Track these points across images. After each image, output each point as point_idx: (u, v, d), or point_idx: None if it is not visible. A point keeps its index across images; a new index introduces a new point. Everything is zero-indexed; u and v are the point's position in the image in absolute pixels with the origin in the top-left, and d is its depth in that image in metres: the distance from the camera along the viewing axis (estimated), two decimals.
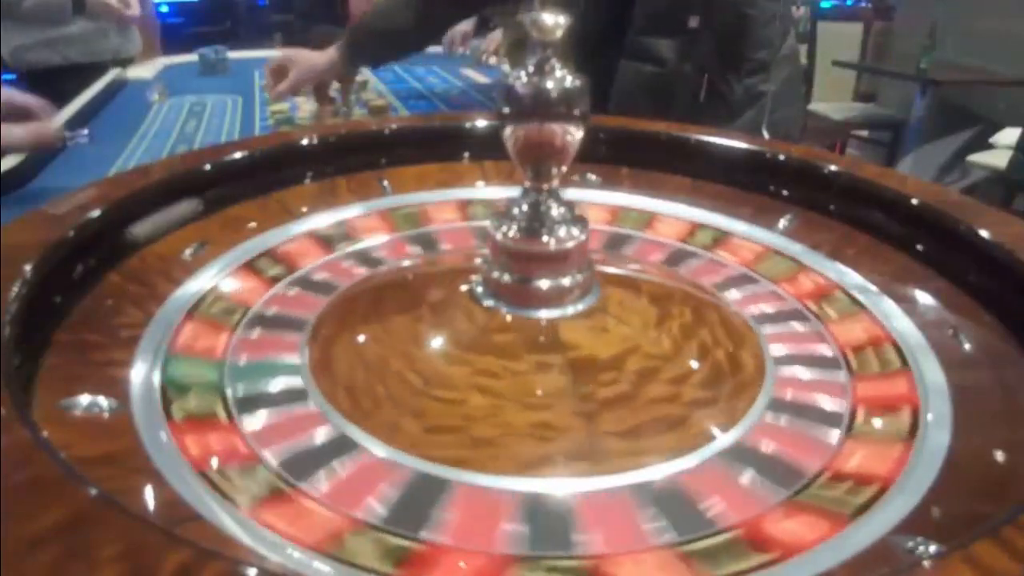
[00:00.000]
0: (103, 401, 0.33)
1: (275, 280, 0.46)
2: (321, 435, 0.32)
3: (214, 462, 0.30)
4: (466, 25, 2.34)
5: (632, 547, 0.26)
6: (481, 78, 1.87)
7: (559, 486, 0.29)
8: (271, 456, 0.31)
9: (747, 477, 0.30)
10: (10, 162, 1.06)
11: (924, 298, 0.43)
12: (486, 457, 0.31)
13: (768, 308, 0.44)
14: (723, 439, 0.32)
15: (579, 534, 0.27)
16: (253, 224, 0.51)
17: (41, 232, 0.39)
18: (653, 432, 0.32)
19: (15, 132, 0.97)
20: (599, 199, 0.58)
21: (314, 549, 0.26)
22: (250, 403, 0.34)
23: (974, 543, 0.21)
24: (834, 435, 0.33)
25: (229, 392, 0.35)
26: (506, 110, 0.37)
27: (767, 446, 0.32)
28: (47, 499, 0.22)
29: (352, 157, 0.60)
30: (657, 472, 0.30)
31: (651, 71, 1.11)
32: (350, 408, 0.33)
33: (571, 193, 0.57)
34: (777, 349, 0.39)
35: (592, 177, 0.61)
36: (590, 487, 0.29)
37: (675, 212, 0.57)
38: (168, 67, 2.00)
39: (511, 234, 0.38)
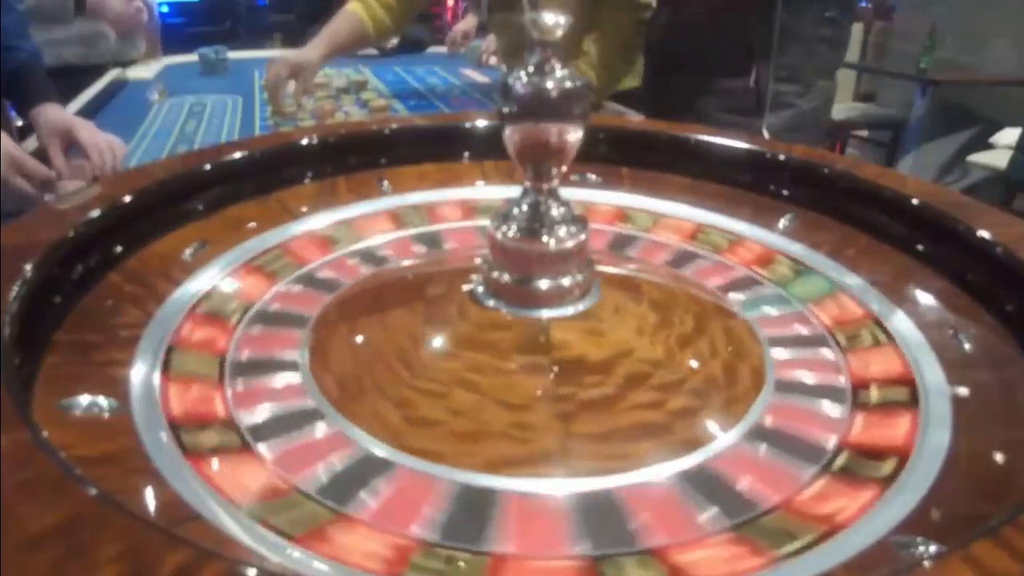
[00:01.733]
0: (103, 401, 0.33)
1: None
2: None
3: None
4: (466, 25, 2.34)
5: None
6: (481, 78, 1.88)
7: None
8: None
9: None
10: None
11: (924, 298, 0.43)
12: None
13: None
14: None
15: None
16: (253, 224, 0.51)
17: (41, 232, 0.39)
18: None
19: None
20: (600, 199, 0.58)
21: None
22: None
23: (974, 543, 0.21)
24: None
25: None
26: (506, 110, 0.37)
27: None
28: (47, 499, 0.22)
29: (352, 157, 0.60)
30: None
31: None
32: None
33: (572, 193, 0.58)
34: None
35: (592, 177, 0.61)
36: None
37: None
38: (168, 67, 2.00)
39: (511, 234, 0.38)
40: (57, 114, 1.13)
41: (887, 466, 0.31)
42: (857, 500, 0.29)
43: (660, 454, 0.31)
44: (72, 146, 1.07)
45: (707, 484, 0.30)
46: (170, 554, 0.20)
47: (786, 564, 0.26)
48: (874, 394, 0.36)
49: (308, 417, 0.33)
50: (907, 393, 0.36)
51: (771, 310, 0.44)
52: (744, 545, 0.27)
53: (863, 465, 0.31)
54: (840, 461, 0.31)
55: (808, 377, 0.37)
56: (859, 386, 0.37)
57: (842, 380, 0.37)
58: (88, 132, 1.07)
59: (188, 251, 0.47)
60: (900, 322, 0.41)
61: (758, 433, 0.33)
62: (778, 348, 0.40)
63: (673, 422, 0.33)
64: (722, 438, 0.32)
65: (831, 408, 0.35)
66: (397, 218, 0.55)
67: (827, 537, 0.27)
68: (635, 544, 0.27)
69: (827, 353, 0.40)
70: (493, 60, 2.04)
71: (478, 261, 0.40)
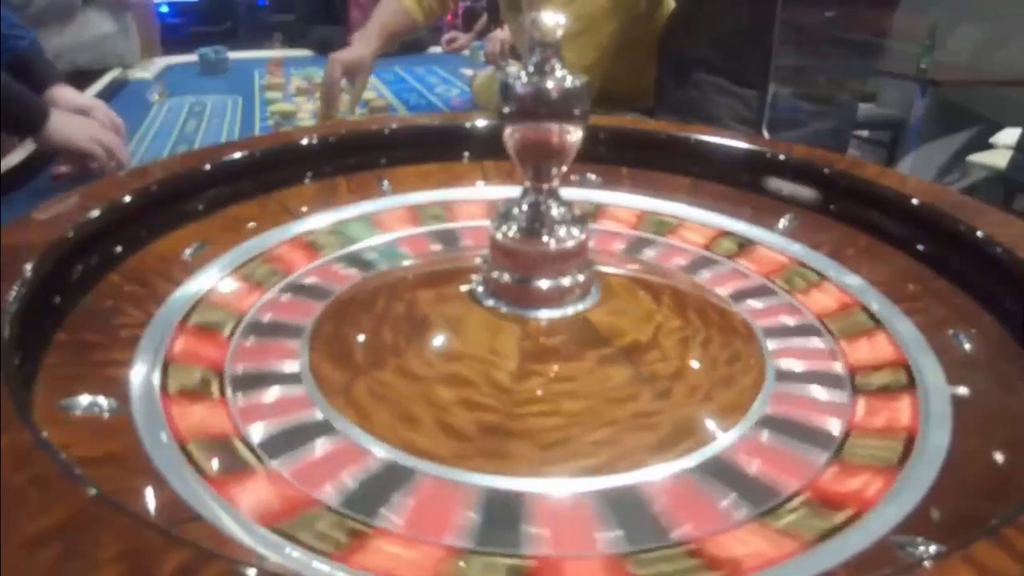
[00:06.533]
0: (103, 401, 0.33)
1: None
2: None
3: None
4: (503, 34, 2.33)
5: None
6: None
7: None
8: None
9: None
10: (11, 161, 1.06)
11: (924, 298, 0.43)
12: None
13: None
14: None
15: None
16: (253, 224, 0.51)
17: (41, 232, 0.39)
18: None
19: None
20: (601, 199, 0.58)
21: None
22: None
23: (974, 543, 0.21)
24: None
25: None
26: (506, 110, 0.37)
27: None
28: (47, 499, 0.22)
29: (352, 157, 0.60)
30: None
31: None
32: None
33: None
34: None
35: (592, 177, 0.61)
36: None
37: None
38: (168, 67, 2.00)
39: (511, 234, 0.38)
40: (72, 95, 1.17)
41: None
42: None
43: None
44: None
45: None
46: (170, 554, 0.20)
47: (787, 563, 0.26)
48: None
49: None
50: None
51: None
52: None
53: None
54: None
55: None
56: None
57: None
58: (104, 112, 1.12)
59: (188, 251, 0.47)
60: (900, 322, 0.41)
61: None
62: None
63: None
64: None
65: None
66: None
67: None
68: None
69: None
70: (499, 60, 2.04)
71: (478, 261, 0.40)
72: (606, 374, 0.35)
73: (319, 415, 0.33)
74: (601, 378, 0.35)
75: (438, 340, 0.39)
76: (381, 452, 0.31)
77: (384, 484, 0.29)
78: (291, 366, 0.37)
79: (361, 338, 0.39)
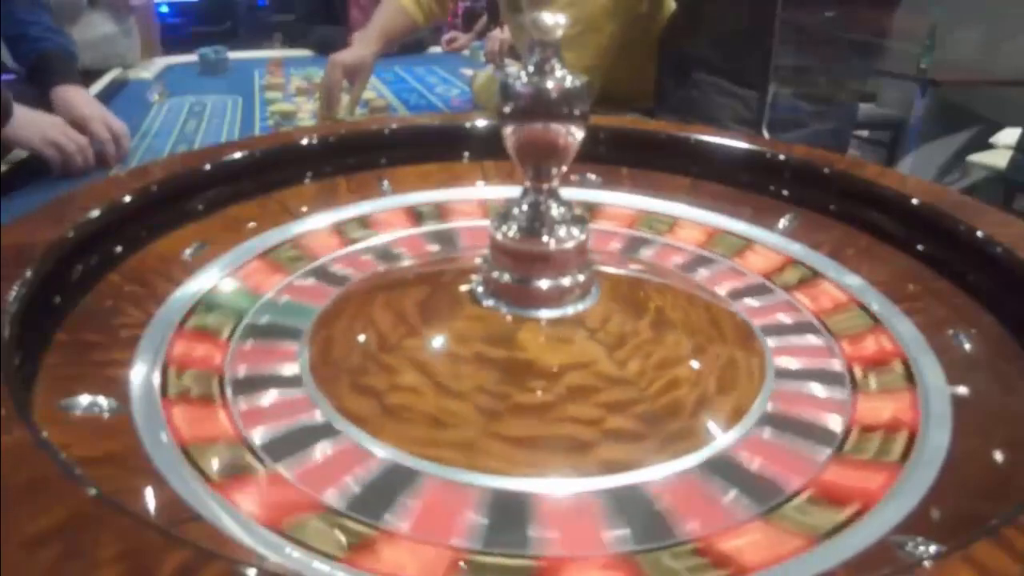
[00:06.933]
0: (103, 401, 0.33)
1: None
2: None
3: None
4: (504, 34, 2.33)
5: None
6: None
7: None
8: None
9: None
10: (11, 161, 1.06)
11: (924, 298, 0.43)
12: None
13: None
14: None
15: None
16: (253, 224, 0.51)
17: (41, 232, 0.39)
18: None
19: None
20: (601, 199, 0.58)
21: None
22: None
23: (974, 543, 0.21)
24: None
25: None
26: (506, 110, 0.37)
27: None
28: (47, 499, 0.22)
29: (352, 157, 0.60)
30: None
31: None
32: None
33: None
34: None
35: (592, 177, 0.61)
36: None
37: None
38: (168, 67, 2.00)
39: (511, 234, 0.38)
40: (72, 99, 1.16)
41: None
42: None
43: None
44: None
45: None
46: (170, 554, 0.20)
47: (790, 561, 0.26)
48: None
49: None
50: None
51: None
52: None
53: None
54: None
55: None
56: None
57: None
58: (101, 124, 1.11)
59: (188, 251, 0.47)
60: (900, 322, 0.41)
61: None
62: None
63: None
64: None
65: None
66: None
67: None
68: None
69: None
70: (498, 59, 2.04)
71: (478, 261, 0.40)
72: (669, 338, 0.37)
73: (472, 482, 0.29)
74: (670, 342, 0.37)
75: (518, 367, 0.35)
76: (582, 487, 0.29)
77: (631, 504, 0.28)
78: (373, 454, 0.31)
79: (430, 399, 0.34)
